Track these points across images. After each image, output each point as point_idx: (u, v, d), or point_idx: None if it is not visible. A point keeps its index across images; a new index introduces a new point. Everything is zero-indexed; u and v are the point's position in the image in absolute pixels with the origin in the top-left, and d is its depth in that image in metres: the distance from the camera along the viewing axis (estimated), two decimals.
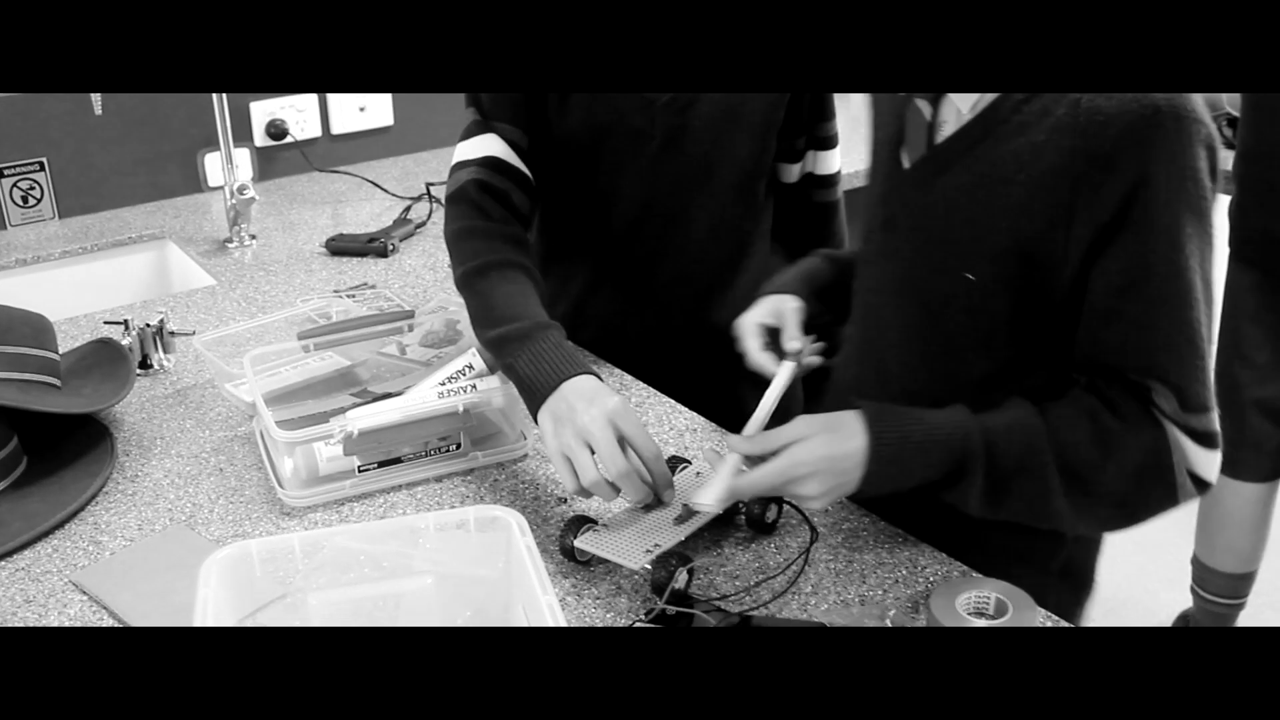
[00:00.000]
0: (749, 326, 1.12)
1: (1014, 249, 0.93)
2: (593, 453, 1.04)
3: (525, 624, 0.88)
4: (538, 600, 0.81)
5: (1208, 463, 0.94)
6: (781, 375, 1.08)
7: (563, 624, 0.78)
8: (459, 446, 1.24)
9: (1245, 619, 2.09)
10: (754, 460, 0.99)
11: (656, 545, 1.02)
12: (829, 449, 0.95)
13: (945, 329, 0.99)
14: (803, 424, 0.97)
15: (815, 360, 1.15)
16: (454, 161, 1.30)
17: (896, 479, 0.96)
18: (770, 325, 1.11)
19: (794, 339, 1.09)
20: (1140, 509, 0.95)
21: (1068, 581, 1.07)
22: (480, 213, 1.25)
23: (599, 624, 1.00)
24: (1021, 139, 0.92)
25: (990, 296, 0.96)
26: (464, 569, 0.95)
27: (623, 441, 1.03)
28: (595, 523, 1.07)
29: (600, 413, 1.05)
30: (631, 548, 1.03)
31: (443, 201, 1.51)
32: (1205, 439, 0.94)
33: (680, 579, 1.00)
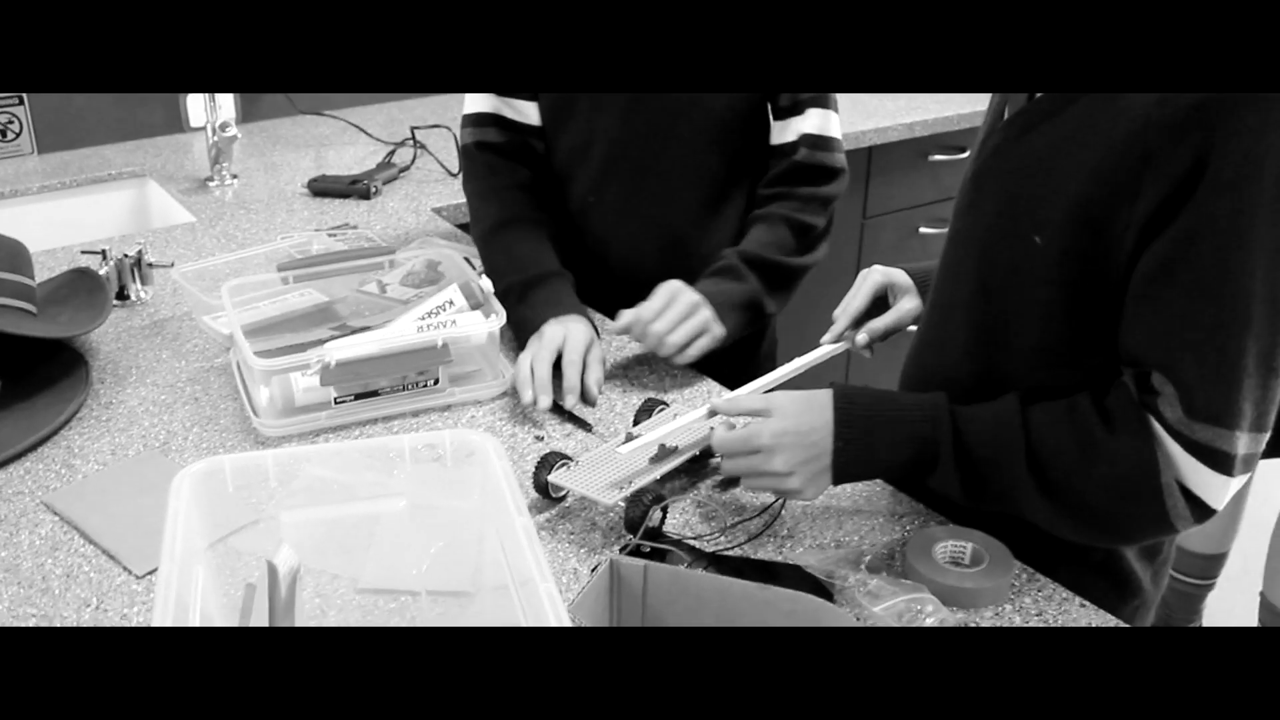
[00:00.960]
0: (862, 296, 1.16)
1: (1080, 216, 0.87)
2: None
3: (499, 548, 0.87)
4: (512, 523, 0.80)
5: (1210, 485, 0.86)
6: (815, 352, 1.12)
7: (538, 547, 0.77)
8: (436, 382, 1.25)
9: (1214, 599, 2.10)
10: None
11: (630, 482, 1.03)
12: (795, 423, 0.96)
13: (1007, 297, 0.96)
14: (779, 397, 0.99)
15: (866, 352, 1.18)
16: (463, 113, 1.40)
17: (866, 458, 0.96)
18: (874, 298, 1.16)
19: (865, 331, 1.15)
20: (1128, 526, 0.90)
21: (1106, 578, 1.03)
22: (490, 171, 1.37)
23: (571, 559, 1.01)
24: (1108, 103, 0.85)
25: (1052, 265, 0.90)
26: (439, 498, 0.94)
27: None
28: (570, 459, 1.08)
29: (561, 326, 1.22)
30: (605, 484, 1.03)
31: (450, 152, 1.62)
32: (1211, 457, 0.85)
33: (654, 516, 1.00)
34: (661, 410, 1.18)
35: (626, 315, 1.27)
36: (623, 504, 1.02)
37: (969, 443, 0.95)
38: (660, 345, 1.26)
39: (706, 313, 1.28)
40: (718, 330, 1.30)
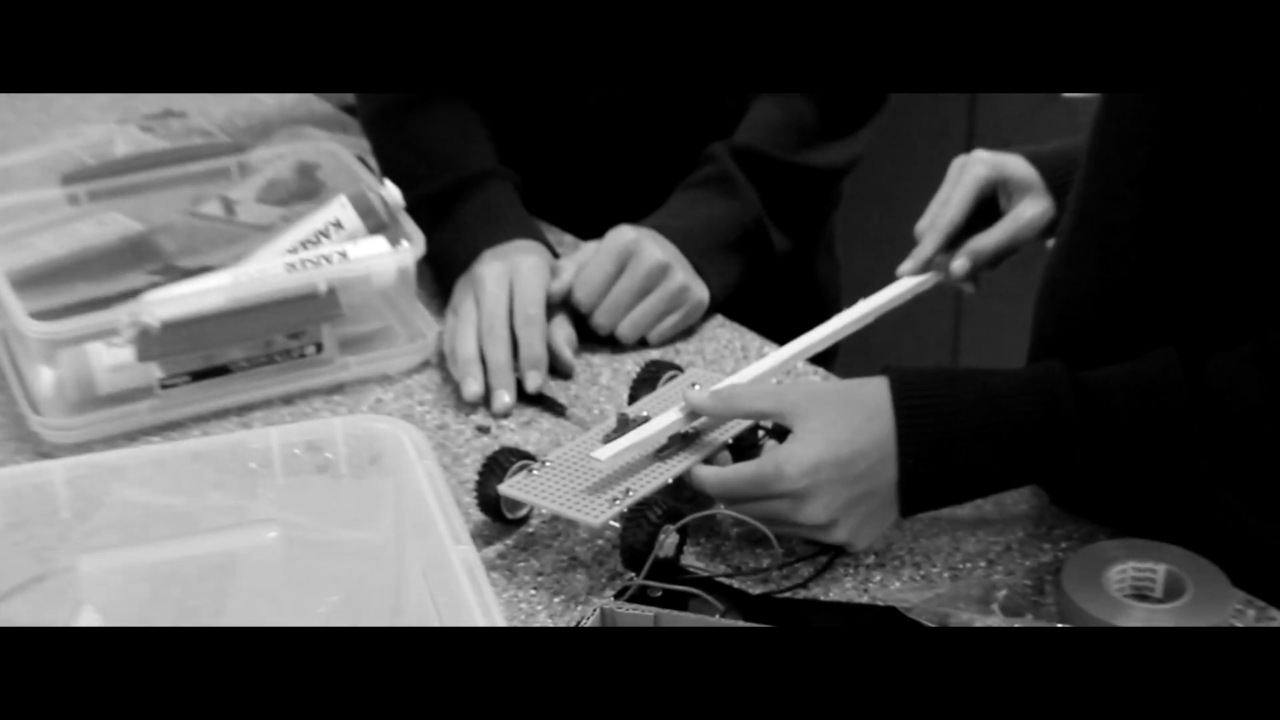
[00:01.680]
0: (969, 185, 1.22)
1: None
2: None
3: (427, 600, 0.88)
4: (446, 560, 0.82)
5: None
6: (887, 292, 1.20)
7: (488, 595, 0.78)
8: (320, 349, 1.24)
9: None
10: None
11: (628, 491, 1.03)
12: (831, 446, 0.99)
13: (1178, 229, 1.00)
14: (800, 395, 1.03)
15: (968, 286, 1.24)
16: None
17: (949, 480, 1.01)
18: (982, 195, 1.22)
19: (965, 253, 1.21)
20: None
21: None
22: None
23: (541, 612, 1.01)
24: None
25: None
26: (329, 526, 0.96)
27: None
28: (533, 459, 1.08)
29: (504, 263, 1.26)
30: (589, 495, 1.03)
31: None
32: None
33: (667, 543, 1.01)
34: (672, 377, 1.18)
35: (566, 272, 1.30)
36: (617, 525, 1.02)
37: (1113, 428, 0.98)
38: (614, 329, 1.30)
39: (678, 277, 1.30)
40: (698, 295, 1.32)
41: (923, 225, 1.24)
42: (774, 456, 1.00)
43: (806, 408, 1.01)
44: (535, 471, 1.06)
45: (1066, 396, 0.98)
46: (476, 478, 1.07)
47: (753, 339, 1.32)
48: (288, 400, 1.23)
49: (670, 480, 1.05)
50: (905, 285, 1.23)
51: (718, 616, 0.95)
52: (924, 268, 1.23)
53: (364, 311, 1.28)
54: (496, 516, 1.07)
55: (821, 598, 1.01)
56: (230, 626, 0.88)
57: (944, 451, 0.99)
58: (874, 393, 1.01)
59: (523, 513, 1.08)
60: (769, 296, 1.43)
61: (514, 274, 1.27)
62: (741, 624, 0.90)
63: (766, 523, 1.01)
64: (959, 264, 1.21)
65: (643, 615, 0.89)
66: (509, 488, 1.05)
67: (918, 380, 1.01)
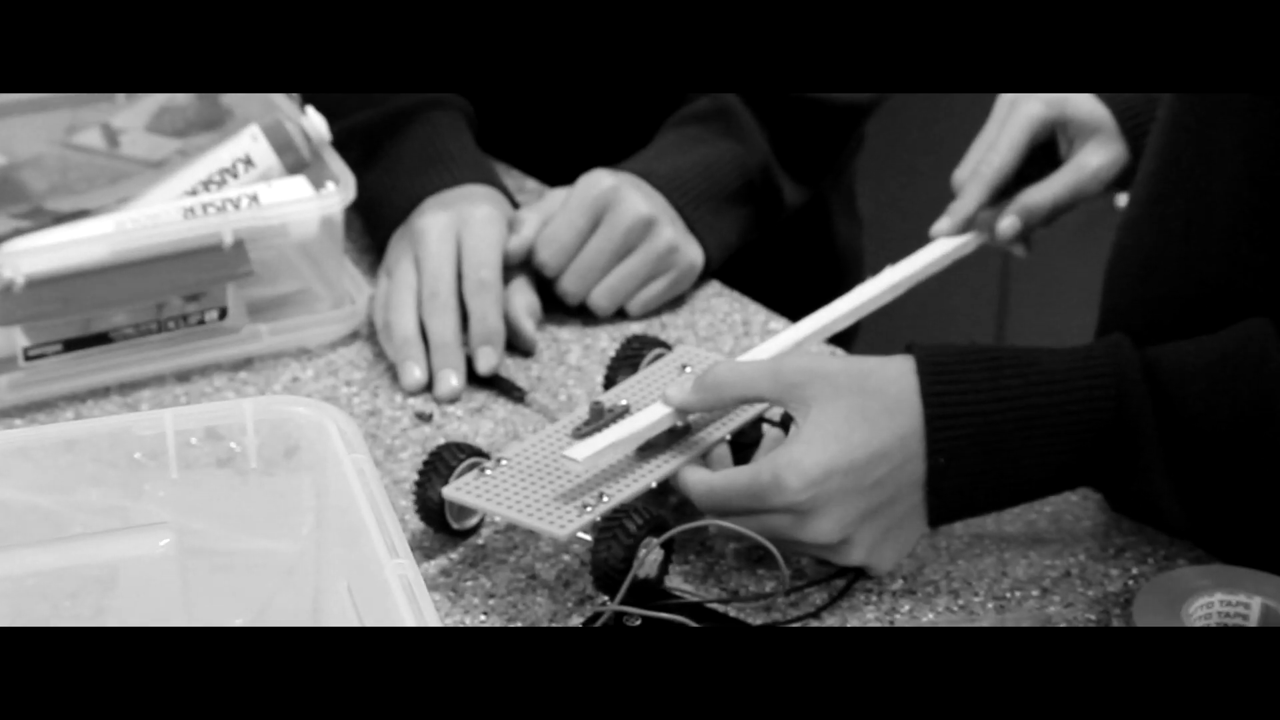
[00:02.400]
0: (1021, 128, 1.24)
1: None
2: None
3: (354, 624, 0.88)
4: (380, 577, 0.82)
5: None
6: (920, 256, 1.21)
7: (428, 613, 0.79)
8: (223, 315, 1.24)
9: None
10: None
11: (601, 496, 1.04)
12: (844, 447, 0.99)
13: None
14: (806, 375, 1.03)
15: (1018, 249, 1.26)
16: None
17: (989, 482, 1.02)
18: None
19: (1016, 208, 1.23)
20: None
21: None
22: None
23: None
24: None
25: None
26: (234, 534, 0.97)
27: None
28: (485, 456, 1.08)
29: (450, 214, 1.27)
30: (554, 500, 1.04)
31: None
32: None
33: (648, 561, 1.01)
34: (658, 357, 1.18)
35: (528, 226, 1.30)
36: (587, 537, 1.02)
37: (1194, 419, 0.99)
38: (586, 297, 1.31)
39: (665, 235, 1.31)
40: (689, 257, 1.32)
41: (962, 174, 1.25)
42: (772, 462, 1.00)
43: (812, 393, 1.01)
44: (488, 471, 1.06)
45: (1135, 379, 0.99)
46: (416, 477, 1.07)
47: (756, 312, 1.32)
48: (183, 377, 1.23)
49: (654, 484, 1.05)
50: (941, 249, 1.24)
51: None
52: (964, 226, 1.24)
53: (279, 270, 1.28)
54: (440, 525, 1.07)
55: (837, 627, 1.01)
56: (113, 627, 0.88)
57: (982, 448, 1.00)
58: (896, 377, 1.01)
59: (472, 521, 1.08)
60: (776, 260, 1.43)
61: (462, 227, 1.27)
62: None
63: (769, 539, 1.01)
64: (1007, 222, 1.22)
65: None
66: (456, 490, 1.05)
67: (950, 361, 1.01)
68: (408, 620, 0.79)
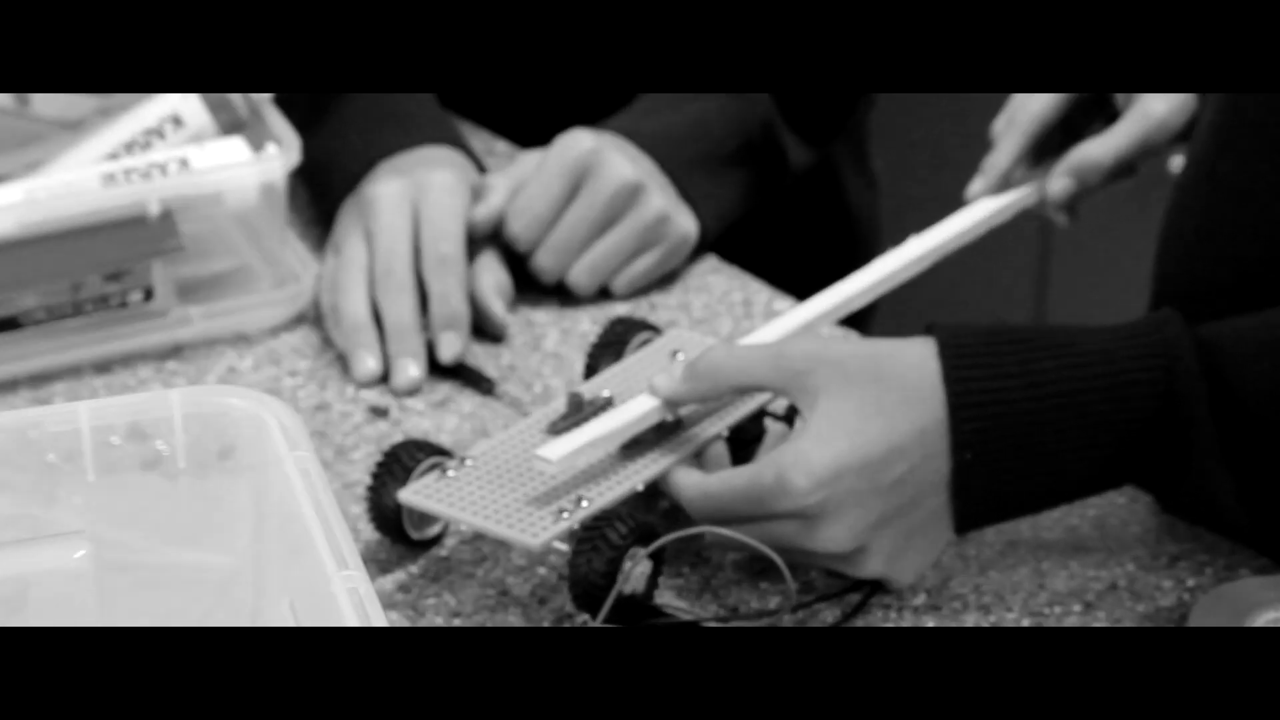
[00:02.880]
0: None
1: None
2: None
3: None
4: (327, 591, 0.83)
5: None
6: (951, 223, 1.21)
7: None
8: (149, 296, 1.24)
9: None
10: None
11: (581, 501, 1.04)
12: (858, 441, 1.00)
13: None
14: (812, 363, 1.03)
15: (1060, 217, 1.26)
16: None
17: (1022, 483, 1.02)
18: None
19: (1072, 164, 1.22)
20: None
21: None
22: None
23: None
24: None
25: None
26: (161, 545, 0.97)
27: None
28: (448, 455, 1.08)
29: (405, 181, 1.28)
30: (527, 505, 1.04)
31: None
32: None
33: (635, 574, 1.02)
34: (646, 342, 1.19)
35: (496, 194, 1.30)
36: (565, 548, 1.03)
37: (1254, 404, 1.00)
38: (564, 274, 1.32)
39: (654, 203, 1.32)
40: (681, 228, 1.33)
41: (1000, 124, 1.24)
42: (775, 461, 1.00)
43: (819, 381, 1.01)
44: (451, 473, 1.06)
45: (1187, 360, 0.99)
46: (370, 480, 1.07)
47: (759, 290, 1.32)
48: (103, 368, 1.23)
49: (640, 487, 1.05)
50: (976, 214, 1.23)
51: None
52: (1001, 185, 1.23)
53: (212, 245, 1.29)
54: (397, 535, 1.07)
55: None
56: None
57: (1013, 441, 1.00)
58: (915, 362, 1.01)
59: (434, 531, 1.09)
60: (781, 231, 1.43)
61: (420, 195, 1.28)
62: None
63: (772, 549, 1.01)
64: (1059, 183, 1.22)
65: None
66: (414, 494, 1.05)
67: (976, 343, 1.01)
68: None
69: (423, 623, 1.03)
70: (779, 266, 1.37)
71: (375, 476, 1.06)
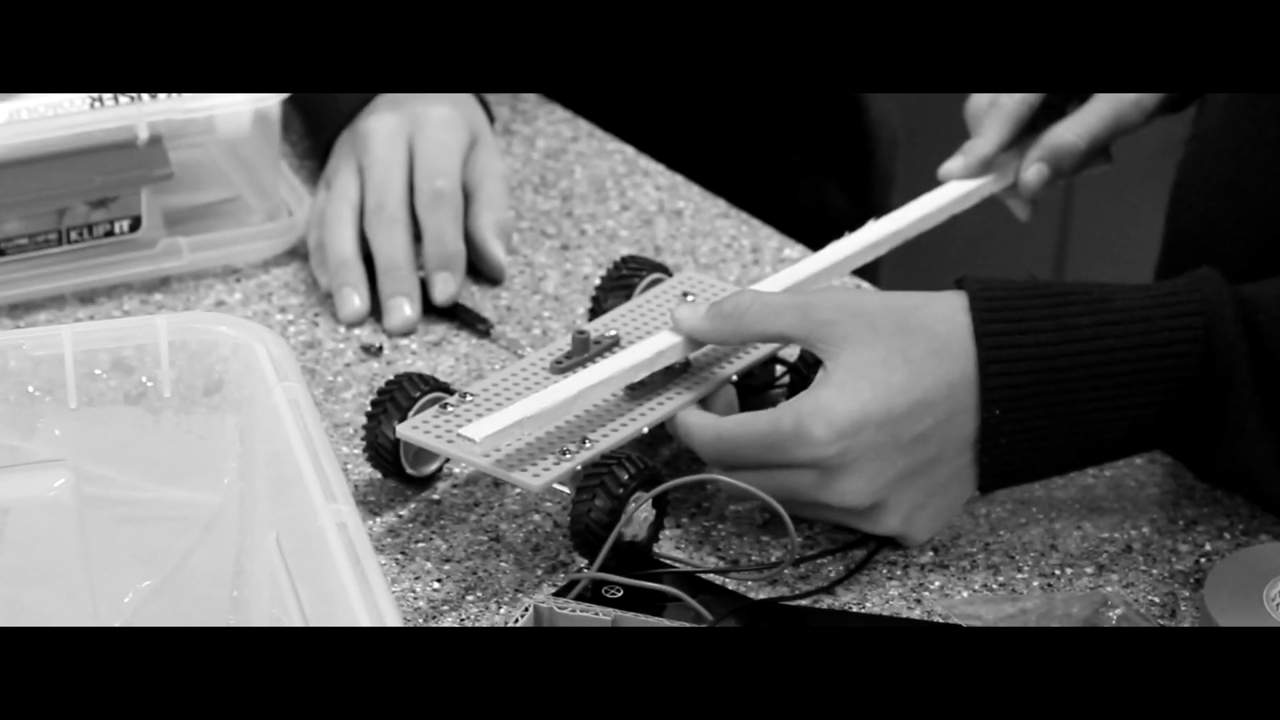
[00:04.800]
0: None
1: None
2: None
3: (284, 585, 0.88)
4: (315, 515, 0.82)
5: None
6: (931, 198, 1.20)
7: (379, 585, 0.78)
8: (136, 225, 1.24)
9: None
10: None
11: (585, 442, 1.04)
12: (881, 392, 1.00)
13: None
14: (838, 313, 1.04)
15: (1021, 208, 1.26)
16: None
17: (1054, 440, 1.03)
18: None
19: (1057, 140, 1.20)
20: None
21: None
22: None
23: (449, 612, 1.03)
24: None
25: None
26: (143, 478, 0.97)
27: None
28: (449, 392, 1.08)
29: (403, 119, 1.28)
30: (528, 445, 1.04)
31: None
32: None
33: (637, 518, 1.02)
34: (655, 282, 1.19)
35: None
36: (566, 489, 1.03)
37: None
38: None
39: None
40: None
41: (980, 103, 1.22)
42: (796, 407, 1.00)
43: (845, 333, 1.01)
44: (451, 409, 1.06)
45: (1227, 319, 0.99)
46: (364, 417, 1.08)
47: (769, 237, 1.33)
48: (87, 298, 1.23)
49: (646, 430, 1.05)
50: (948, 194, 1.21)
51: (706, 624, 0.96)
52: (981, 169, 1.21)
53: (203, 174, 1.29)
54: (393, 471, 1.08)
55: (854, 608, 1.02)
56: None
57: (1044, 399, 1.00)
58: (945, 315, 1.01)
59: (432, 467, 1.09)
60: (795, 174, 1.43)
61: (416, 130, 1.28)
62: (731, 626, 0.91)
63: (783, 500, 1.01)
64: (1034, 170, 1.18)
65: (594, 618, 0.89)
66: (413, 429, 1.05)
67: (1009, 296, 1.01)
68: (346, 579, 0.79)
69: (412, 568, 1.03)
70: (791, 213, 1.37)
71: (372, 410, 1.07)
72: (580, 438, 1.03)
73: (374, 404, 1.07)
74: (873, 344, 1.00)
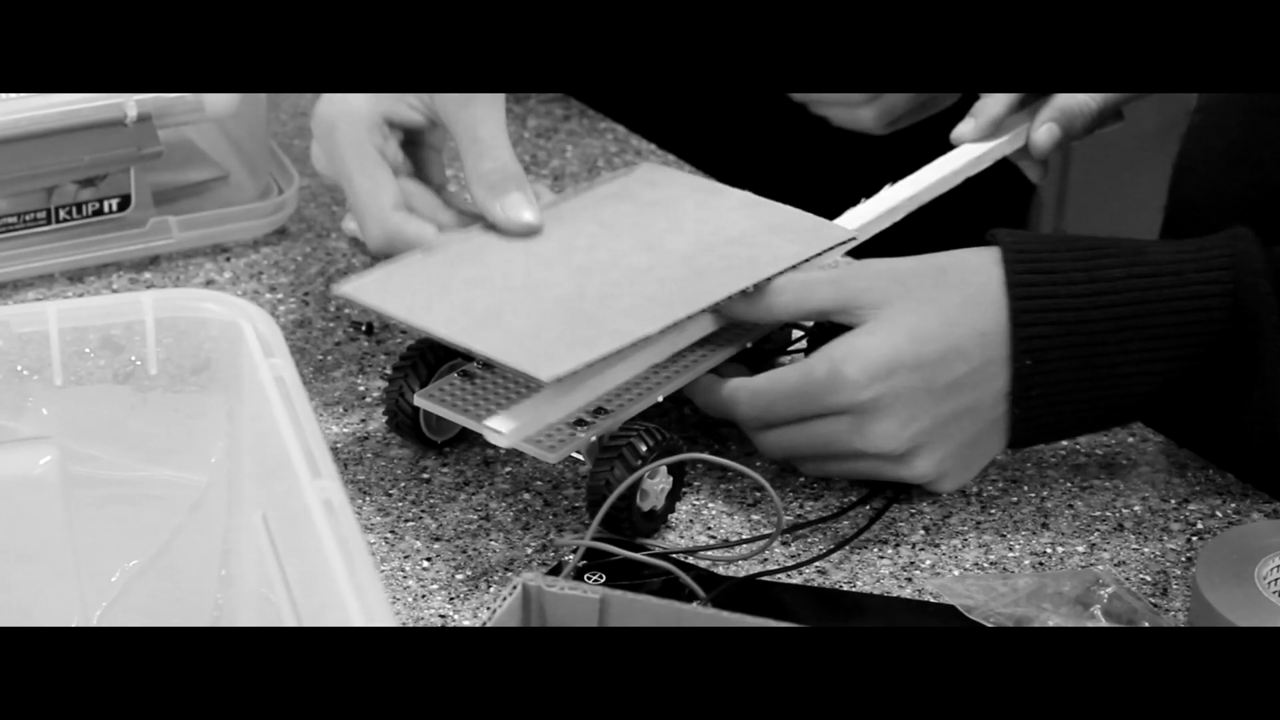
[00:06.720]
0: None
1: None
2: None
3: (271, 563, 0.88)
4: (301, 493, 0.82)
5: None
6: (942, 164, 1.20)
7: (357, 548, 0.79)
8: (125, 204, 1.24)
9: None
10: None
11: (603, 409, 1.05)
12: (913, 340, 1.02)
13: None
14: (878, 279, 1.05)
15: (1033, 170, 1.25)
16: None
17: (1085, 393, 1.03)
18: None
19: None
20: None
21: None
22: None
23: (437, 591, 1.03)
24: None
25: None
26: (129, 463, 0.97)
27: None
28: (464, 360, 1.08)
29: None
30: (547, 411, 1.04)
31: None
32: None
33: (654, 489, 1.03)
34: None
35: None
36: (582, 457, 1.04)
37: None
38: None
39: None
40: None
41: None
42: (828, 354, 1.01)
43: (880, 296, 1.02)
44: (468, 376, 1.06)
45: (1257, 275, 0.99)
46: (384, 382, 1.09)
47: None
48: (76, 277, 1.24)
49: (660, 398, 1.06)
50: (959, 159, 1.21)
51: (697, 603, 0.96)
52: (992, 131, 1.20)
53: (192, 152, 1.29)
54: (414, 437, 1.09)
55: (844, 586, 1.02)
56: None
57: (1075, 350, 1.01)
58: (977, 268, 1.02)
59: (453, 431, 1.10)
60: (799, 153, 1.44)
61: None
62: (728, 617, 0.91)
63: (818, 455, 1.03)
64: (1044, 130, 1.17)
65: (584, 597, 0.88)
66: (430, 399, 1.06)
67: (1041, 249, 1.02)
68: (332, 557, 0.79)
69: (401, 546, 1.04)
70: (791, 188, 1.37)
71: (393, 375, 1.08)
72: (596, 408, 1.04)
73: (397, 366, 1.08)
74: (906, 298, 1.02)
